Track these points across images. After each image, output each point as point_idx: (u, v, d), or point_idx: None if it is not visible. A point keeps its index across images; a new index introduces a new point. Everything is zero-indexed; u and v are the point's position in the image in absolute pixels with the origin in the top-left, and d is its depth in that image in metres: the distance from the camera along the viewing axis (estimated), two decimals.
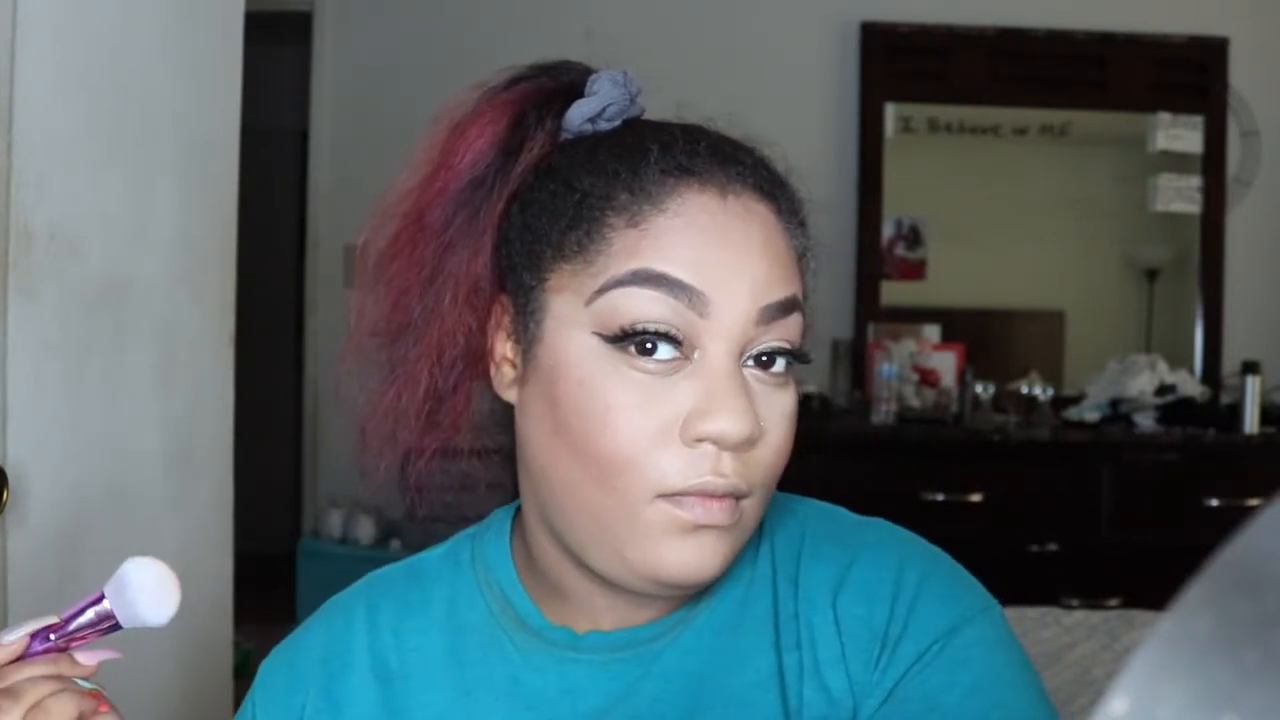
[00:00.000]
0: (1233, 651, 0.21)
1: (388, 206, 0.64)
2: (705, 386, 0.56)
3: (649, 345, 0.56)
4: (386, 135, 3.37)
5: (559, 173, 0.60)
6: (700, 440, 0.56)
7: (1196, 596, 0.21)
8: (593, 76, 0.64)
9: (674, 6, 3.31)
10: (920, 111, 3.32)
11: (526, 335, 0.61)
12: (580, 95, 0.63)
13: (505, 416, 0.65)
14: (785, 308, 0.58)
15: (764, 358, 0.59)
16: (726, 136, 0.63)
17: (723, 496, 0.57)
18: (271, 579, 3.34)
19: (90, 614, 0.64)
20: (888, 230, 3.29)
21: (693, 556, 0.57)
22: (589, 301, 0.57)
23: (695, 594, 0.63)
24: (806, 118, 3.31)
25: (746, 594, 0.65)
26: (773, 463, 0.59)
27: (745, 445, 0.57)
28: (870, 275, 3.26)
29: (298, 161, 3.83)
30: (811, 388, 3.01)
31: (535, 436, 0.60)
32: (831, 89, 3.31)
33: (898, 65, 3.27)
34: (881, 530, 0.67)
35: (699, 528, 0.57)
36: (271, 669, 0.70)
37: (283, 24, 3.20)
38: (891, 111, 3.28)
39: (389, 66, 3.31)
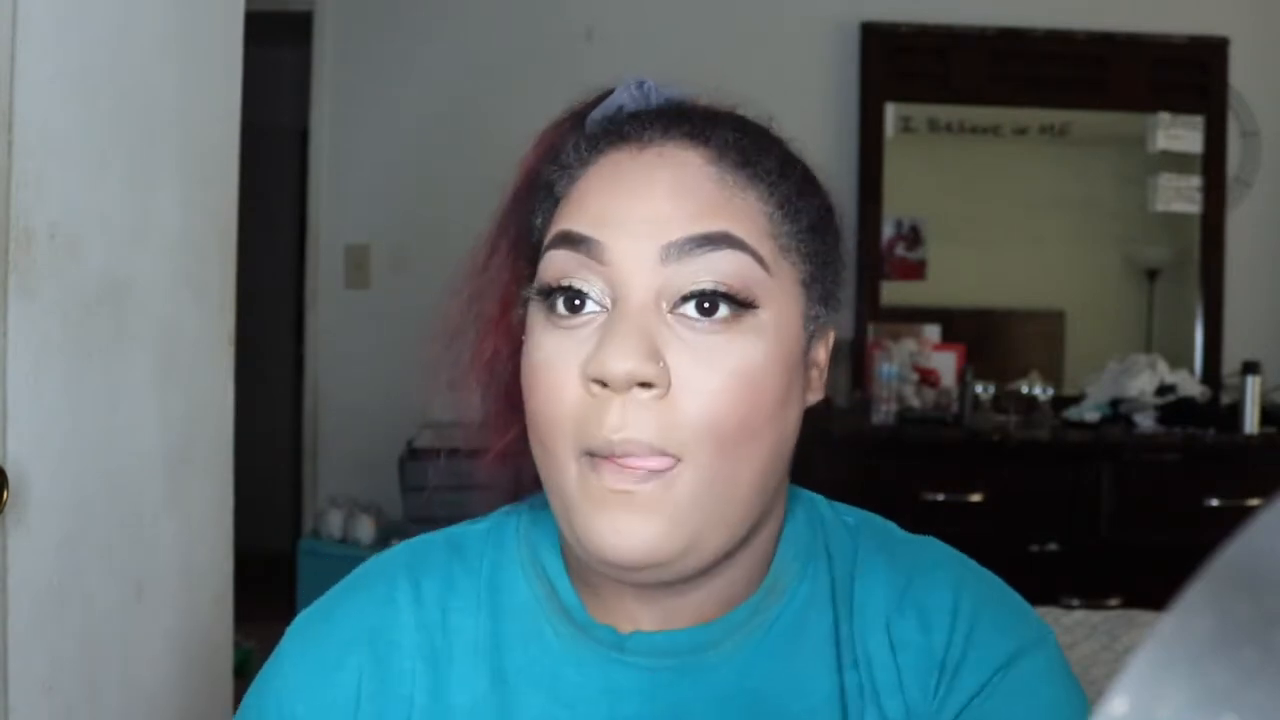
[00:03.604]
0: (1233, 651, 0.21)
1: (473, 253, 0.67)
2: (606, 331, 0.55)
3: (577, 302, 0.57)
4: (386, 135, 3.38)
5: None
6: (592, 382, 0.54)
7: (1196, 596, 0.21)
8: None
9: (674, 7, 3.31)
10: (920, 111, 3.32)
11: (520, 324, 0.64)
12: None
13: None
14: (702, 242, 0.55)
15: (704, 304, 0.55)
16: (696, 102, 0.65)
17: (618, 464, 0.54)
18: (271, 579, 3.34)
19: None
20: (888, 230, 3.29)
21: (611, 530, 0.54)
22: (533, 274, 0.61)
23: (746, 595, 0.62)
24: (806, 118, 3.30)
25: (805, 610, 0.63)
26: (701, 418, 0.54)
27: (632, 385, 0.53)
28: (870, 275, 3.26)
29: (298, 161, 3.83)
30: None
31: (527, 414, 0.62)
32: (831, 89, 3.31)
33: (898, 65, 3.27)
34: (936, 551, 0.66)
35: (614, 493, 0.54)
36: (311, 634, 0.66)
37: (283, 24, 3.19)
38: (891, 111, 3.28)
39: (389, 66, 3.31)
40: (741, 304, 0.56)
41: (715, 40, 3.28)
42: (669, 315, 0.56)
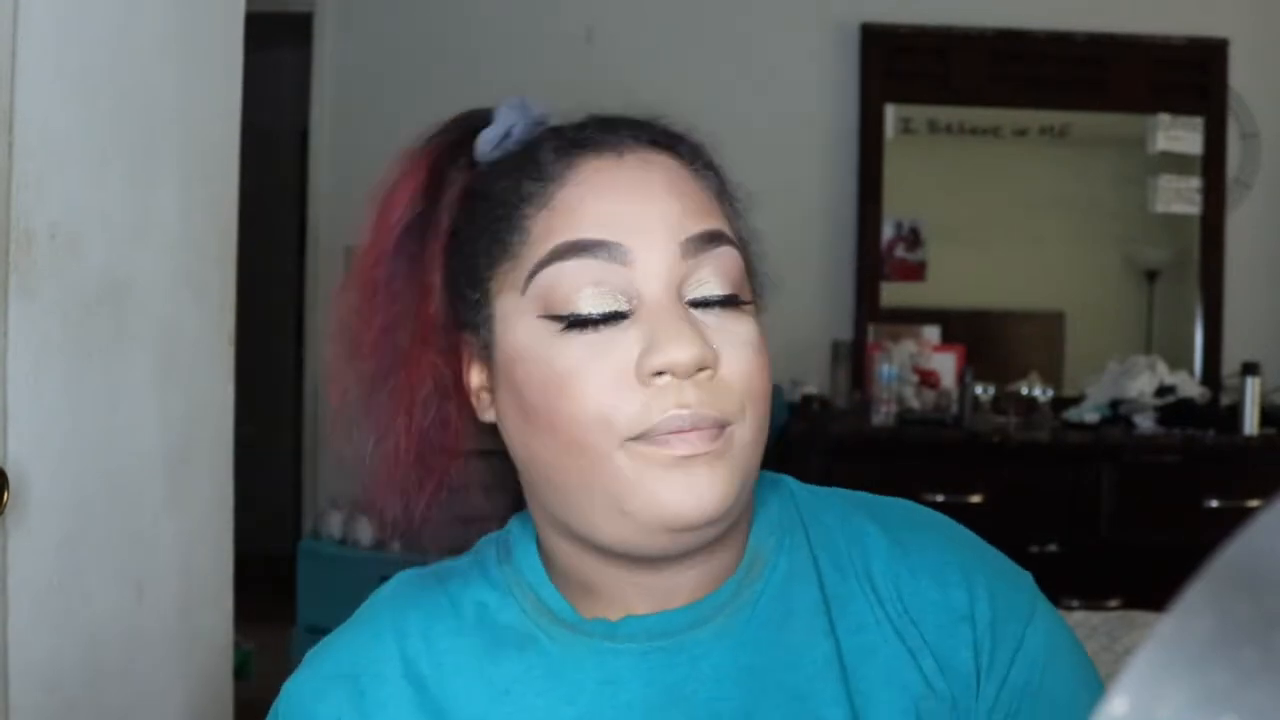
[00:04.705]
0: (1233, 651, 0.21)
1: (349, 279, 0.68)
2: (649, 325, 0.58)
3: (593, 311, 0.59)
4: (386, 135, 3.36)
5: (476, 194, 0.65)
6: (656, 375, 0.57)
7: (1196, 596, 0.21)
8: (495, 108, 0.67)
9: (674, 7, 3.31)
10: (920, 113, 3.32)
11: (486, 347, 0.64)
12: None
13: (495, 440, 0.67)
14: (709, 239, 0.60)
15: (708, 303, 0.60)
16: (628, 116, 0.66)
17: (694, 427, 0.57)
18: (271, 579, 3.34)
19: None
20: (887, 231, 3.29)
21: (686, 491, 0.57)
22: (524, 290, 0.60)
23: (728, 574, 0.64)
24: (806, 118, 3.31)
25: (787, 584, 0.65)
26: (743, 387, 0.59)
27: (699, 369, 0.58)
28: (870, 276, 3.26)
29: (298, 161, 3.83)
30: (811, 389, 3.01)
31: (513, 432, 0.63)
32: (831, 89, 3.31)
33: (898, 66, 3.27)
34: (917, 510, 0.70)
35: (683, 459, 0.57)
36: (297, 685, 0.68)
37: (283, 24, 3.20)
38: (892, 113, 3.28)
39: (389, 66, 3.31)
40: (741, 304, 0.62)
41: (715, 41, 3.28)
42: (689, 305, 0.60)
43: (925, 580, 0.64)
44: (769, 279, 0.67)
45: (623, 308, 0.59)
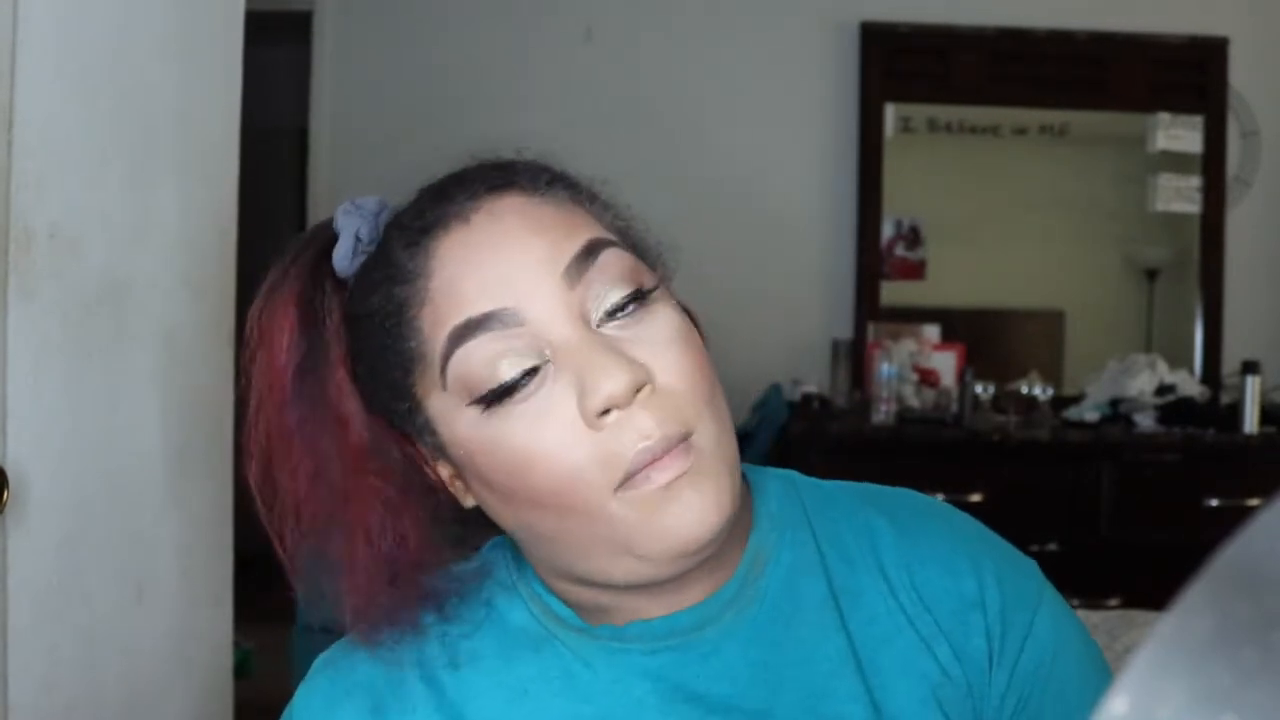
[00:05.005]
0: (1233, 651, 0.21)
1: (248, 443, 0.65)
2: (573, 370, 0.57)
3: (519, 377, 0.58)
4: (386, 135, 3.38)
5: (355, 315, 0.63)
6: (601, 415, 0.56)
7: (1196, 596, 0.21)
8: (334, 219, 0.65)
9: (674, 7, 3.31)
10: (920, 111, 3.32)
11: (435, 448, 0.63)
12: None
13: (468, 517, 0.66)
14: (585, 255, 0.59)
15: (614, 312, 0.59)
16: (450, 174, 0.64)
17: (666, 449, 0.56)
18: (271, 579, 3.33)
19: None
20: (887, 230, 3.29)
21: (686, 514, 0.57)
22: (444, 386, 0.59)
23: (732, 572, 0.64)
24: (806, 118, 3.31)
25: (793, 578, 0.65)
26: (687, 387, 0.58)
27: (636, 390, 0.57)
28: (870, 275, 3.26)
29: (298, 161, 3.83)
30: (811, 388, 3.01)
31: (501, 514, 0.62)
32: (831, 89, 3.31)
33: (898, 65, 3.27)
34: (920, 499, 0.71)
35: (667, 486, 0.56)
36: (310, 693, 0.68)
37: (283, 24, 3.19)
38: (891, 111, 3.28)
39: (389, 66, 3.31)
40: (643, 298, 0.60)
41: (715, 40, 3.28)
42: (598, 328, 0.59)
43: (935, 569, 0.65)
44: (658, 243, 0.66)
45: (540, 362, 0.58)
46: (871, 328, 3.18)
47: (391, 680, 0.66)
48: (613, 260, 0.60)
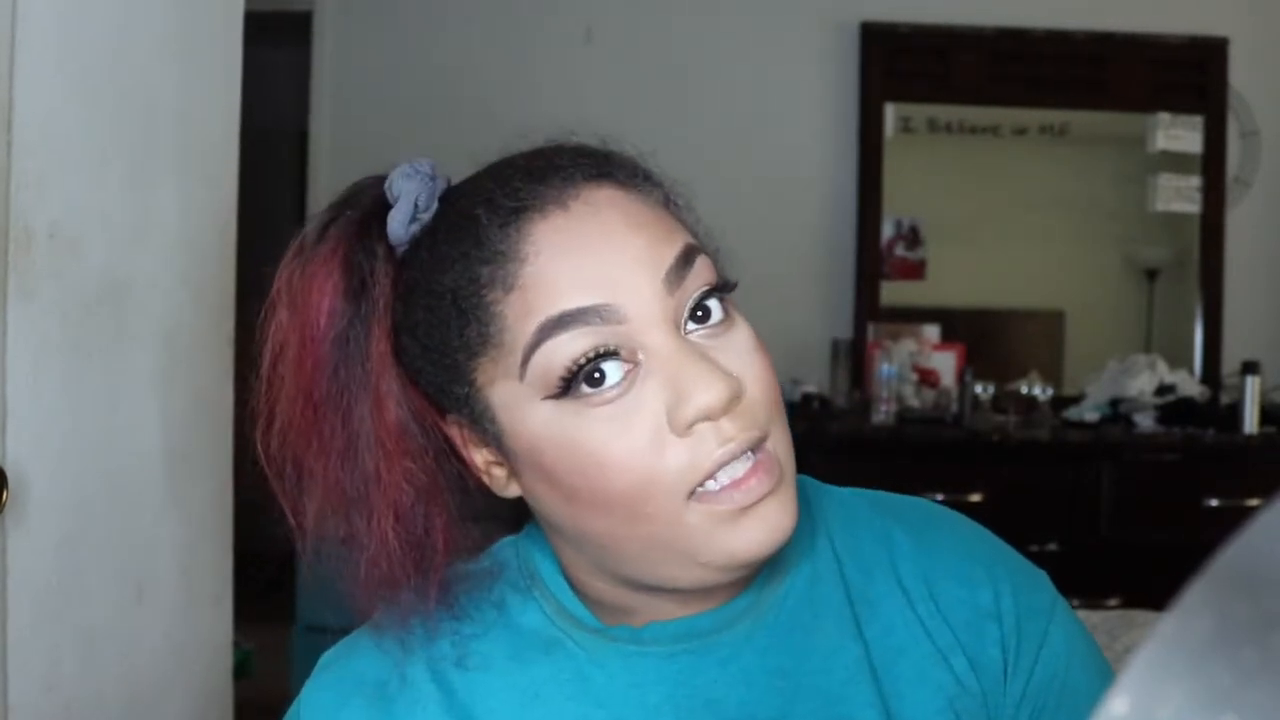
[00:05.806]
0: (1233, 651, 0.21)
1: (267, 406, 0.61)
2: (666, 376, 0.56)
3: (597, 375, 0.56)
4: (386, 135, 3.38)
5: (419, 287, 0.59)
6: (693, 424, 0.55)
7: (1196, 596, 0.21)
8: (386, 183, 0.62)
9: (674, 7, 3.31)
10: (920, 111, 3.32)
11: (491, 436, 0.60)
12: (388, 206, 0.61)
13: (494, 506, 0.64)
14: (684, 261, 0.58)
15: (698, 312, 0.58)
16: (536, 152, 0.62)
17: (751, 471, 0.56)
18: (271, 579, 3.33)
19: None
20: (887, 230, 3.29)
21: (761, 531, 0.56)
22: (521, 376, 0.57)
23: (753, 577, 0.63)
24: (807, 117, 3.31)
25: (812, 586, 0.65)
26: (766, 397, 0.58)
27: (734, 402, 0.56)
28: (870, 275, 3.26)
29: (298, 162, 3.83)
30: (811, 388, 3.01)
31: (555, 511, 0.60)
32: (831, 89, 3.31)
33: (897, 65, 3.27)
34: (935, 509, 0.71)
35: (748, 508, 0.56)
36: (316, 692, 0.66)
37: (283, 24, 3.19)
38: (891, 111, 3.28)
39: (389, 66, 3.31)
40: (725, 291, 0.60)
41: (715, 40, 3.28)
42: (687, 335, 0.58)
43: (951, 579, 0.65)
44: (722, 251, 0.64)
45: (631, 363, 0.56)
46: (871, 328, 3.18)
47: (399, 677, 0.65)
48: (704, 268, 0.59)
